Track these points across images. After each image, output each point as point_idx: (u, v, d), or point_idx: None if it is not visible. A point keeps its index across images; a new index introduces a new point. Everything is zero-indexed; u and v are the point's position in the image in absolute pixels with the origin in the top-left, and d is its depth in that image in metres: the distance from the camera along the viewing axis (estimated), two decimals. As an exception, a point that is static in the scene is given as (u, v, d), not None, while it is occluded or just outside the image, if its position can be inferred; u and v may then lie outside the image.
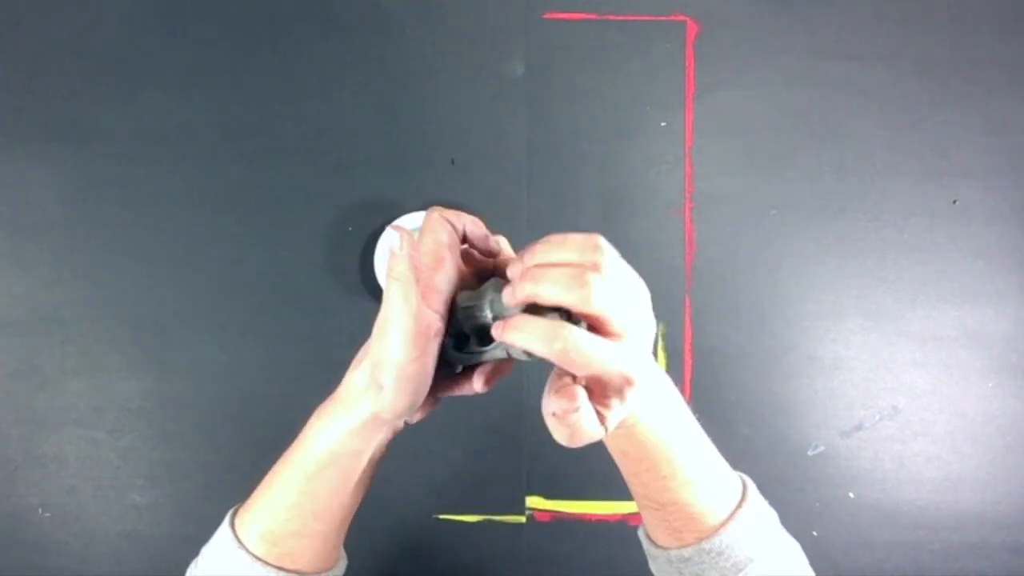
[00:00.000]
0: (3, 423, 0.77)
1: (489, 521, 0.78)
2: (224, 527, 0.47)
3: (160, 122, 0.79)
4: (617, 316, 0.36)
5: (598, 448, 0.78)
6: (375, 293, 0.77)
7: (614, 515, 0.78)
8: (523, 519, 0.78)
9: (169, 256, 0.78)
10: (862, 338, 0.80)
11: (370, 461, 0.45)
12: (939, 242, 0.81)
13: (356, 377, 0.43)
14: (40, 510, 0.77)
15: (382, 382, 0.39)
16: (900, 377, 0.80)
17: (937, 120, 0.81)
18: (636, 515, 0.78)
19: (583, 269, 0.36)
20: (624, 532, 0.78)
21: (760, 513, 0.47)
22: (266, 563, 0.44)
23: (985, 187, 0.81)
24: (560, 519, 0.78)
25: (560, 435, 0.39)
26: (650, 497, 0.46)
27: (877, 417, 0.80)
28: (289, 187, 0.79)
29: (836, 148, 0.81)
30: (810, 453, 0.79)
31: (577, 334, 0.36)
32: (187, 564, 0.50)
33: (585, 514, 0.78)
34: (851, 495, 0.79)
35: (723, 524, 0.45)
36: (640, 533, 0.52)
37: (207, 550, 0.47)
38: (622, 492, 0.78)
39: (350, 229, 0.79)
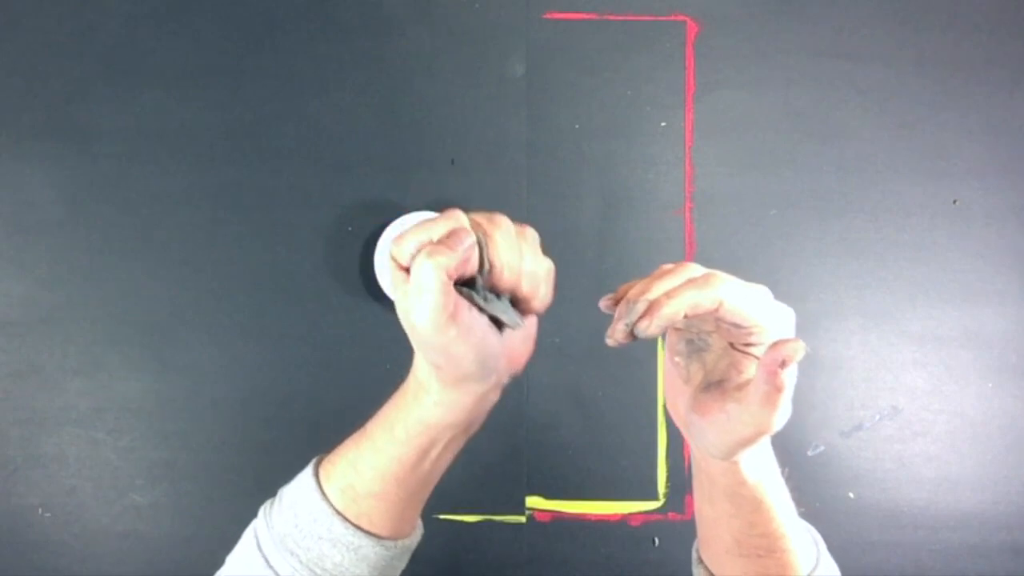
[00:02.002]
0: (3, 423, 0.77)
1: (489, 521, 0.78)
2: (308, 475, 0.45)
3: (160, 122, 0.79)
4: (749, 306, 0.39)
5: (597, 448, 0.78)
6: (375, 293, 0.77)
7: (614, 515, 0.78)
8: (523, 519, 0.78)
9: (169, 256, 0.78)
10: (862, 338, 0.80)
11: (465, 430, 0.45)
12: (939, 242, 0.81)
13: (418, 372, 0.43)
14: (40, 510, 0.77)
15: (428, 373, 0.41)
16: (900, 377, 0.80)
17: (937, 120, 0.81)
18: (636, 515, 0.78)
19: (703, 277, 0.39)
20: (624, 532, 0.78)
21: (833, 569, 0.48)
22: (345, 519, 0.44)
23: (985, 187, 0.81)
24: (560, 519, 0.78)
25: (770, 410, 0.39)
26: (757, 545, 0.45)
27: (877, 417, 0.80)
28: (289, 187, 0.79)
29: (836, 148, 0.81)
30: (810, 453, 0.79)
31: (723, 277, 0.39)
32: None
33: (585, 514, 0.78)
34: (851, 495, 0.79)
35: (811, 574, 0.45)
36: None
37: (287, 492, 0.46)
38: (622, 492, 0.79)
39: (350, 229, 0.79)
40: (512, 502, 0.78)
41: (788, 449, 0.79)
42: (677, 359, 0.46)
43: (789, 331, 0.42)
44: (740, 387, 0.42)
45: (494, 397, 0.44)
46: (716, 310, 0.39)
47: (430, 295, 0.36)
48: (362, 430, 0.46)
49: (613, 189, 0.80)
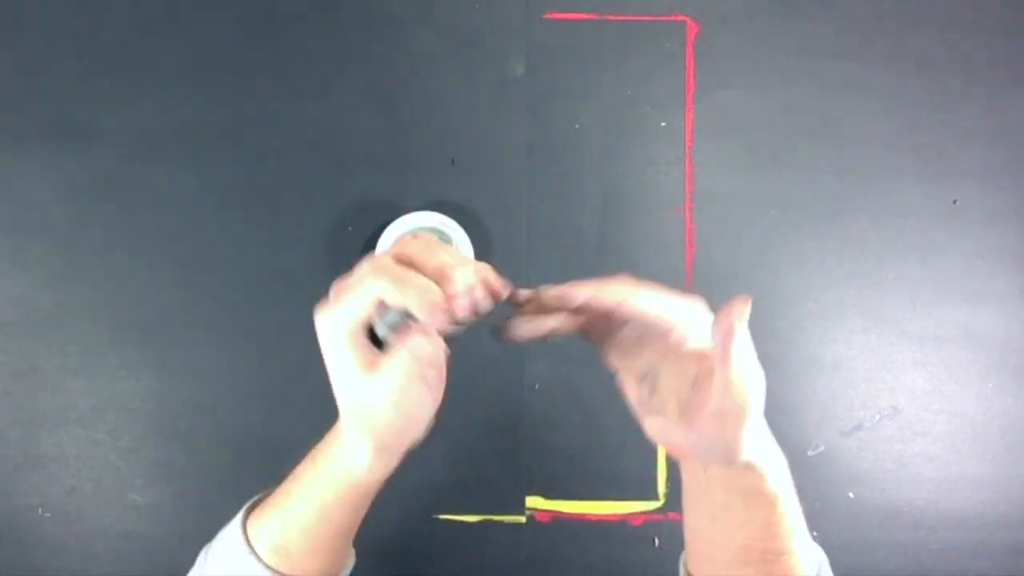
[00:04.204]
0: (3, 423, 0.77)
1: (489, 521, 0.78)
2: (236, 529, 0.46)
3: (160, 122, 0.79)
4: (651, 301, 0.42)
5: (597, 448, 0.78)
6: (375, 293, 0.77)
7: (614, 515, 0.78)
8: (523, 519, 0.78)
9: (169, 256, 0.78)
10: (862, 338, 0.80)
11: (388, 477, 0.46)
12: (939, 242, 0.81)
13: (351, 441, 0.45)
14: (40, 510, 0.77)
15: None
16: (900, 377, 0.80)
17: (937, 120, 0.81)
18: (636, 515, 0.78)
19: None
20: (624, 532, 0.78)
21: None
22: (277, 572, 0.44)
23: (985, 187, 0.81)
24: (560, 519, 0.78)
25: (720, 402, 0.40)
26: (766, 548, 0.44)
27: (877, 417, 0.80)
28: (289, 187, 0.79)
29: (836, 148, 0.81)
30: (810, 453, 0.79)
31: (627, 281, 0.42)
32: (187, 564, 0.50)
33: (585, 514, 0.78)
34: (851, 495, 0.79)
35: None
36: None
37: (217, 547, 0.47)
38: (622, 492, 0.79)
39: (350, 229, 0.79)
40: (512, 502, 0.78)
41: (788, 449, 0.79)
42: (644, 398, 0.46)
43: (704, 317, 0.43)
44: (704, 380, 0.42)
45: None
46: (620, 303, 0.41)
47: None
48: (287, 490, 0.47)
49: (613, 189, 0.80)
